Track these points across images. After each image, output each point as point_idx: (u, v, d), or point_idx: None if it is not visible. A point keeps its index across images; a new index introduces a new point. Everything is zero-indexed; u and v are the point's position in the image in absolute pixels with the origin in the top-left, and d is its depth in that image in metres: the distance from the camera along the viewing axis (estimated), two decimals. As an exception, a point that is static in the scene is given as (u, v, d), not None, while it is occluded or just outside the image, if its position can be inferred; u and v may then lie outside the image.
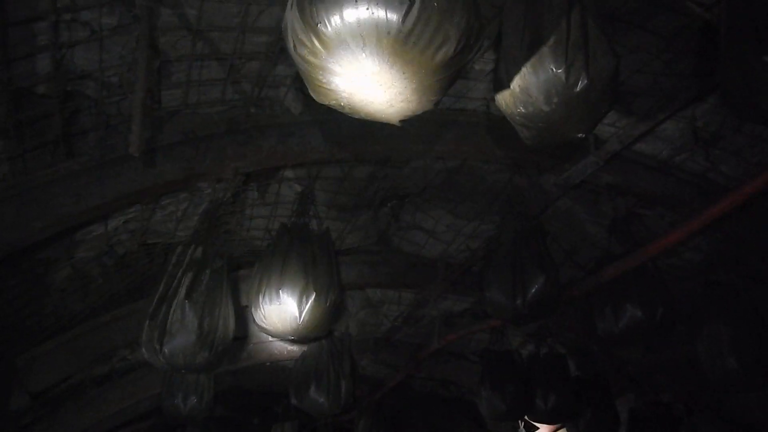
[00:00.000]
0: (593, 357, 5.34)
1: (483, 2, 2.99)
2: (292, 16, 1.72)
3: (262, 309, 3.55)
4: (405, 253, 5.09)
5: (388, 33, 1.58)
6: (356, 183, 4.42)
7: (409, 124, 3.76)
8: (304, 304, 3.39)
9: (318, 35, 1.65)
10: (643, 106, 3.61)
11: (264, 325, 3.57)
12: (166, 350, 3.23)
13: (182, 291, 3.31)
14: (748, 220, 3.95)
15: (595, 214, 4.37)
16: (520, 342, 5.71)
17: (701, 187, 3.97)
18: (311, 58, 1.72)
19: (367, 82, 1.73)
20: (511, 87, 2.20)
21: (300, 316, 3.35)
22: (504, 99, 2.27)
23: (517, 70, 2.17)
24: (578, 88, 2.08)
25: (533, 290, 3.56)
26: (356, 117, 2.02)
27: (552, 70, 2.09)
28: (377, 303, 5.68)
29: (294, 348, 5.27)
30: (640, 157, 3.92)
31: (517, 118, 2.26)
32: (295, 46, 1.74)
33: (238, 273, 4.72)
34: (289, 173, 4.35)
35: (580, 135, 2.28)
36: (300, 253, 3.75)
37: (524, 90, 2.16)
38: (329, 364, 4.59)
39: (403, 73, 1.69)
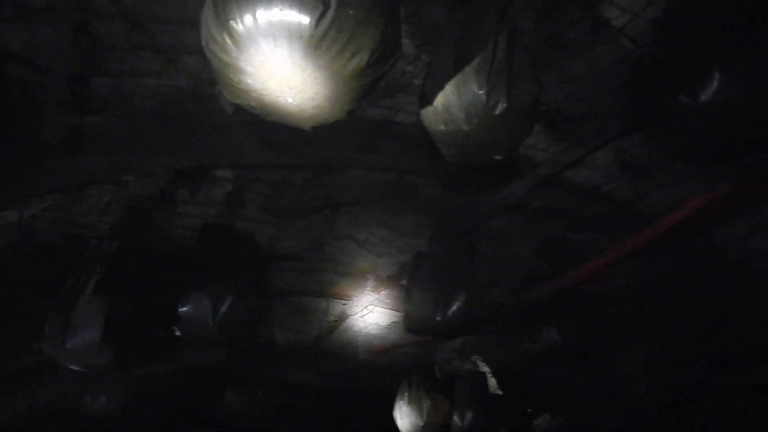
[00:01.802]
0: (515, 376, 5.40)
1: (420, 20, 3.04)
2: (207, 11, 1.67)
3: (180, 309, 3.45)
4: (337, 263, 5.04)
5: (300, 36, 1.54)
6: (292, 189, 4.35)
7: (346, 134, 3.80)
8: (220, 307, 3.30)
9: (229, 32, 1.60)
10: (576, 134, 3.69)
11: (178, 327, 3.46)
12: (68, 346, 3.07)
13: (91, 285, 3.16)
14: (672, 250, 4.10)
15: (526, 236, 4.44)
16: (445, 358, 5.72)
17: (628, 217, 4.09)
18: (222, 56, 1.67)
19: (277, 84, 1.69)
20: (434, 104, 2.20)
21: (214, 319, 3.25)
22: (427, 115, 2.27)
23: (441, 87, 2.17)
24: (498, 111, 2.09)
25: (454, 307, 3.57)
26: (271, 119, 1.97)
27: (474, 90, 2.10)
28: (306, 311, 5.60)
29: (214, 353, 5.14)
30: (572, 183, 4.01)
31: (439, 135, 2.26)
32: (207, 41, 1.68)
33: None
34: (223, 173, 4.25)
35: (498, 157, 2.29)
36: (223, 256, 3.66)
37: (446, 108, 2.16)
38: (247, 370, 4.48)
39: (315, 78, 1.65)
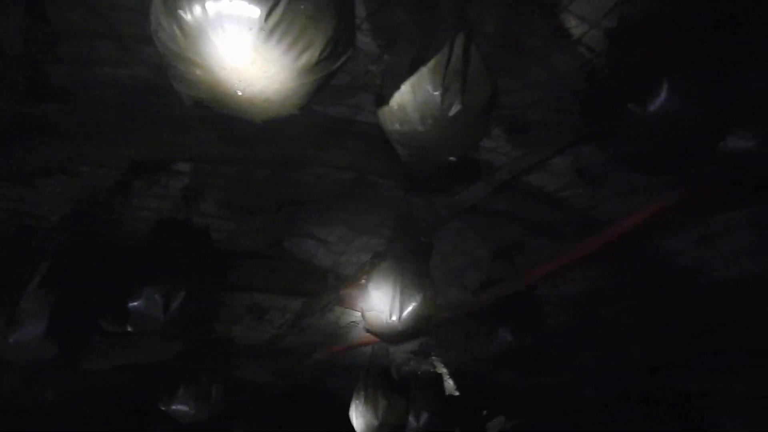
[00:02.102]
0: (472, 378, 5.46)
1: (383, 19, 3.04)
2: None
3: (131, 303, 3.39)
4: (296, 261, 5.01)
5: (250, 29, 1.53)
6: (253, 185, 4.31)
7: (307, 131, 3.78)
8: (172, 303, 3.24)
9: (178, 22, 1.57)
10: (536, 140, 3.75)
11: (129, 322, 3.39)
12: (11, 340, 2.98)
13: (37, 278, 3.07)
14: (623, 258, 4.20)
15: (483, 239, 4.48)
16: (404, 359, 5.74)
17: (583, 223, 4.16)
18: (171, 45, 1.64)
19: (226, 76, 1.67)
20: (390, 103, 2.20)
21: (165, 315, 3.20)
22: (383, 114, 2.27)
23: (398, 87, 2.17)
24: (452, 112, 2.11)
25: (409, 308, 3.58)
26: (224, 112, 1.95)
27: (429, 91, 2.11)
28: (264, 309, 5.55)
29: (166, 348, 5.05)
30: (530, 188, 4.07)
31: (394, 135, 2.26)
32: (156, 30, 1.65)
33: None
34: (181, 167, 4.18)
35: (452, 158, 2.31)
36: (178, 250, 3.60)
37: (402, 108, 2.17)
38: (200, 367, 4.42)
39: (264, 72, 1.64)
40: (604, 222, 4.06)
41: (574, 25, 3.04)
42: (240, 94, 1.69)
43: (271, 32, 1.53)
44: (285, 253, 5.04)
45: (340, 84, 3.49)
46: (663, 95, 2.16)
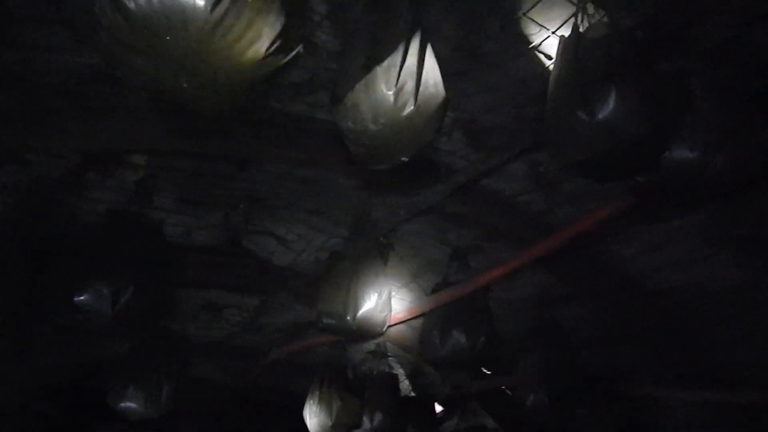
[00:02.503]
0: (427, 379, 5.49)
1: (343, 17, 3.04)
2: (102, -16, 1.60)
3: (77, 297, 3.30)
4: (254, 258, 4.95)
5: (195, 20, 1.50)
6: (208, 179, 4.25)
7: (265, 127, 3.74)
8: (120, 297, 3.17)
9: (122, 10, 1.54)
10: (493, 144, 3.78)
11: (76, 316, 3.30)
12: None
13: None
14: (575, 263, 4.27)
15: (440, 241, 4.51)
16: (360, 359, 5.73)
17: (538, 228, 4.22)
18: (116, 33, 1.60)
19: (172, 67, 1.64)
20: (344, 101, 2.19)
21: (113, 309, 3.12)
22: (337, 112, 2.26)
23: (352, 85, 2.17)
24: (405, 113, 2.11)
25: (364, 309, 3.58)
26: (175, 102, 1.91)
27: (382, 90, 2.11)
28: (220, 306, 5.48)
29: (119, 344, 4.94)
30: (488, 192, 4.11)
31: (347, 133, 2.26)
32: (100, 17, 1.61)
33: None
34: (136, 159, 4.10)
35: (404, 158, 2.32)
36: (130, 244, 3.53)
37: (355, 106, 2.16)
38: (151, 364, 4.34)
39: (209, 64, 1.61)
40: (559, 226, 4.13)
41: (534, 32, 3.09)
42: (186, 86, 1.66)
43: (217, 24, 1.51)
44: (242, 250, 4.98)
45: (300, 81, 3.47)
46: (611, 103, 2.21)
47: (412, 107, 2.11)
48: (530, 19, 3.00)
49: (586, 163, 2.34)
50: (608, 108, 2.22)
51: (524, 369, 3.85)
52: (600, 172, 2.38)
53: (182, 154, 3.90)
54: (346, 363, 5.34)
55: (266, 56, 1.61)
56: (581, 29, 2.52)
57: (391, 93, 2.10)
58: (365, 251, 3.90)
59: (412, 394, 5.45)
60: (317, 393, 4.89)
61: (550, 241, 3.41)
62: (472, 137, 3.74)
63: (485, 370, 4.60)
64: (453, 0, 2.94)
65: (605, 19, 2.52)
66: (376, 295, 3.62)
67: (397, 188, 4.02)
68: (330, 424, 4.73)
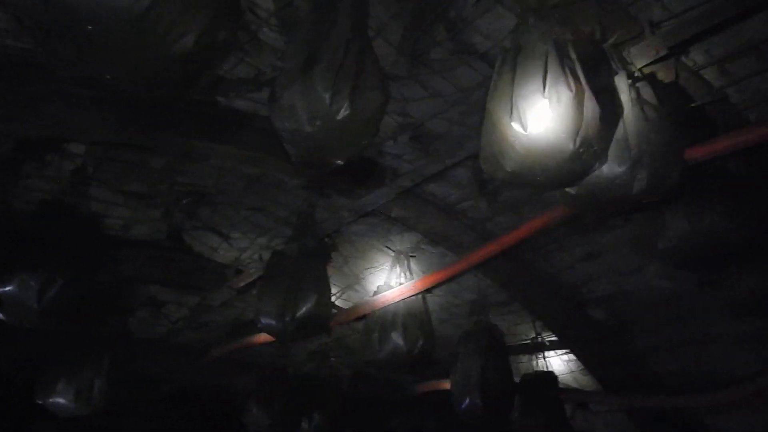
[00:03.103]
0: (370, 380, 5.51)
1: (290, 15, 3.03)
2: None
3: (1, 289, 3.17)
4: (196, 254, 4.87)
5: (120, 10, 1.47)
6: (151, 172, 4.16)
7: (209, 121, 3.68)
8: (48, 291, 3.07)
9: (45, -4, 1.50)
10: (439, 150, 3.83)
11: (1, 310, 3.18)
12: None
13: None
14: (512, 270, 4.37)
15: (384, 243, 4.54)
16: (303, 359, 5.71)
17: (480, 234, 4.30)
18: (40, 18, 1.56)
19: (101, 58, 1.60)
20: (281, 101, 2.19)
21: (39, 303, 3.02)
22: (274, 111, 2.25)
23: (289, 85, 2.16)
24: (340, 116, 2.12)
25: (303, 309, 3.57)
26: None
27: (319, 92, 2.11)
28: (160, 302, 5.36)
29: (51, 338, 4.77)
30: (431, 197, 4.16)
31: (283, 133, 2.25)
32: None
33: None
34: (75, 148, 3.97)
35: (339, 162, 2.32)
36: (64, 236, 3.42)
37: (291, 106, 2.16)
38: (83, 360, 4.21)
39: (138, 56, 1.59)
40: (498, 233, 4.22)
41: (479, 41, 3.15)
42: (108, 77, 1.63)
43: (144, 16, 1.49)
44: (185, 246, 4.89)
45: (246, 77, 3.44)
46: (544, 117, 2.27)
47: (348, 111, 2.12)
48: (476, 28, 3.06)
49: (518, 174, 2.39)
50: (542, 121, 2.28)
51: (460, 373, 3.90)
52: (531, 184, 2.43)
53: (123, 145, 3.80)
54: (289, 363, 5.30)
55: (196, 51, 1.59)
56: (521, 42, 2.59)
57: (327, 95, 2.10)
58: (308, 251, 3.89)
59: (354, 394, 5.46)
60: (258, 393, 4.84)
61: (489, 248, 3.48)
62: (418, 141, 3.78)
63: (425, 372, 4.65)
64: (401, 5, 2.98)
65: (544, 33, 2.59)
66: (316, 296, 3.61)
67: (342, 189, 4.03)
68: (269, 423, 4.69)
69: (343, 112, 2.12)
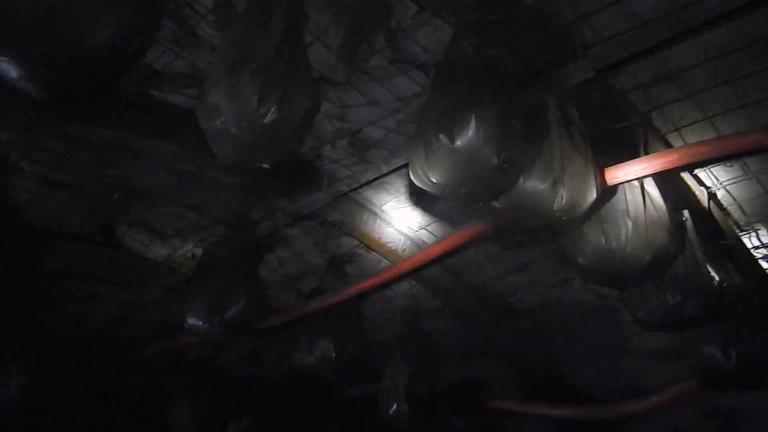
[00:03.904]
0: (303, 382, 5.46)
1: (226, 13, 2.99)
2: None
3: None
4: (126, 250, 4.74)
5: (34, 3, 1.43)
6: (79, 164, 4.02)
7: (143, 114, 3.59)
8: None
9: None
10: (376, 156, 3.85)
11: None
12: None
13: None
14: (447, 277, 4.43)
15: (320, 247, 4.53)
16: (236, 360, 5.63)
17: (415, 242, 4.34)
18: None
19: (14, 51, 1.55)
20: (207, 100, 2.16)
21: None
22: (200, 110, 2.22)
23: (216, 84, 2.14)
24: (267, 120, 2.11)
25: (232, 311, 3.52)
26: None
27: (246, 95, 2.09)
28: (90, 297, 5.18)
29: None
30: (368, 203, 4.17)
31: (210, 132, 2.22)
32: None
33: None
34: (-1, 134, 3.81)
35: (265, 165, 2.31)
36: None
37: (217, 107, 2.13)
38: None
39: (53, 50, 1.54)
40: (431, 241, 4.27)
41: (418, 53, 3.19)
42: (30, 72, 1.58)
43: (54, 8, 1.44)
44: (116, 241, 4.75)
45: (182, 72, 3.38)
46: (470, 131, 2.32)
47: (275, 115, 2.10)
48: (414, 40, 3.10)
49: (443, 185, 2.43)
50: (467, 135, 2.33)
51: (389, 378, 3.93)
52: (457, 196, 2.48)
53: (52, 134, 3.67)
54: (221, 364, 5.21)
55: (113, 45, 1.55)
56: (454, 56, 2.64)
57: (255, 98, 2.09)
58: (240, 252, 3.84)
59: (286, 397, 5.41)
60: (186, 394, 4.73)
61: (417, 257, 3.52)
62: (356, 147, 3.79)
63: (356, 378, 4.65)
64: (341, 11, 2.99)
65: (478, 49, 2.65)
66: (245, 297, 3.57)
67: (279, 192, 3.99)
68: (194, 426, 4.59)
69: (270, 116, 2.11)
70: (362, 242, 4.24)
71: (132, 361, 5.74)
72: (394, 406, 3.88)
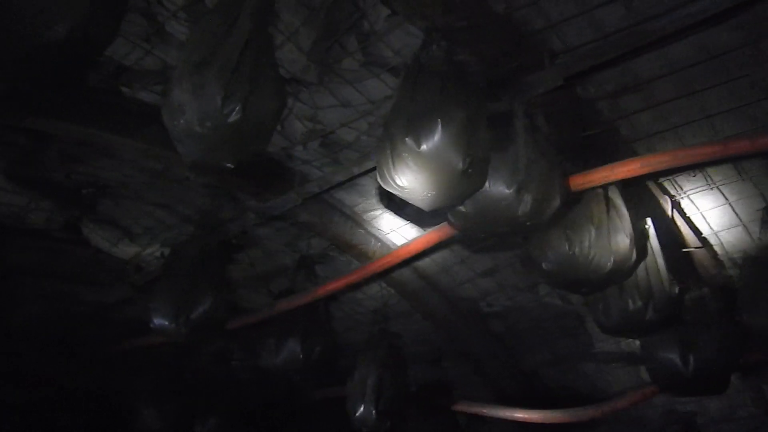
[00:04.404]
0: (271, 384, 5.44)
1: (196, 11, 2.96)
2: None
3: None
4: (93, 248, 4.66)
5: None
6: (46, 159, 3.95)
7: (111, 110, 3.54)
8: None
9: None
10: (348, 158, 3.85)
11: None
12: None
13: None
14: (415, 280, 4.45)
15: (291, 248, 4.51)
16: (205, 361, 5.56)
17: (385, 244, 4.34)
18: None
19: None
20: (171, 99, 2.14)
21: None
22: (164, 108, 2.20)
23: (181, 82, 2.12)
24: (231, 119, 2.09)
25: (199, 311, 3.49)
26: None
27: (211, 94, 2.08)
28: (55, 296, 5.08)
29: None
30: (339, 204, 4.17)
31: (173, 131, 2.20)
32: None
33: None
34: (-41, 126, 3.71)
35: (229, 165, 2.29)
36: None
37: (181, 105, 2.11)
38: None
39: (8, 44, 1.51)
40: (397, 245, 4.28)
41: (390, 56, 3.19)
42: None
43: (9, 2, 1.42)
44: (83, 238, 4.67)
45: (152, 69, 3.34)
46: (436, 135, 2.33)
47: (239, 115, 2.09)
48: (386, 43, 3.10)
49: (409, 189, 2.44)
50: (433, 139, 2.35)
51: (357, 380, 3.92)
52: (422, 199, 2.49)
53: (15, 128, 3.60)
54: (187, 365, 5.14)
55: (69, 41, 1.53)
56: (423, 60, 2.65)
57: (219, 98, 2.07)
58: (209, 251, 3.81)
59: (253, 398, 5.37)
60: (150, 395, 4.67)
61: (386, 259, 3.53)
62: (327, 148, 3.79)
63: (323, 379, 4.64)
64: (313, 12, 2.98)
65: (446, 54, 2.66)
66: (212, 298, 3.54)
67: (249, 191, 3.96)
68: (158, 427, 4.53)
69: (234, 115, 2.09)
70: (333, 243, 4.23)
71: (97, 362, 5.65)
72: (361, 409, 3.88)
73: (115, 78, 3.39)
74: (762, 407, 4.03)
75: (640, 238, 2.96)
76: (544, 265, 2.96)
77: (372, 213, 4.16)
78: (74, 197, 4.28)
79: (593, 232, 2.78)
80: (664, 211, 3.50)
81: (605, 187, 2.93)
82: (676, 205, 3.50)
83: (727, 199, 3.40)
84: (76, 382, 5.83)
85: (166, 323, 3.55)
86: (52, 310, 5.31)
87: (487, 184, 2.51)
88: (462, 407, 4.77)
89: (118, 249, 4.70)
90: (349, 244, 4.21)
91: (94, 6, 1.54)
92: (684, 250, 3.49)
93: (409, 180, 2.41)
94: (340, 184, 3.85)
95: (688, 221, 3.55)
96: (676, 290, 3.05)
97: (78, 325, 5.49)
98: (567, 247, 2.79)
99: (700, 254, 3.58)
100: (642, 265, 3.03)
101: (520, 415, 4.42)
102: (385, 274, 3.86)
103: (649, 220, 3.17)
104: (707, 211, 3.51)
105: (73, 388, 5.96)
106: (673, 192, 3.46)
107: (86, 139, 3.71)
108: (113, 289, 4.88)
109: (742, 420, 4.22)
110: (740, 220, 3.47)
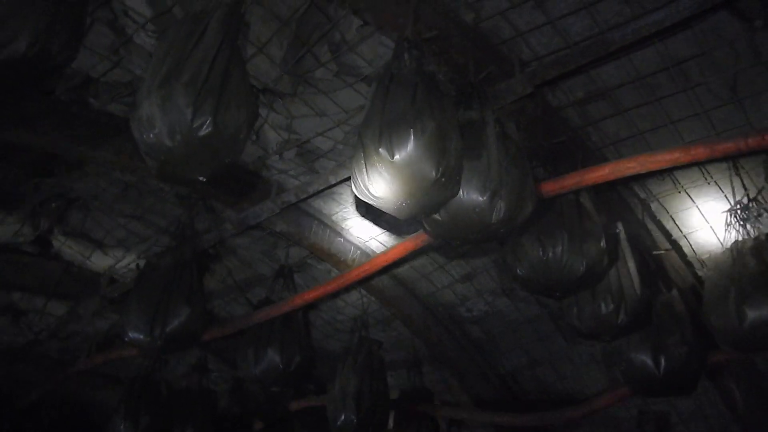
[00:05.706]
0: (248, 395, 5.40)
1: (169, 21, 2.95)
2: None
3: None
4: (64, 261, 4.59)
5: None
6: (14, 173, 3.88)
7: (79, 123, 3.49)
8: None
9: None
10: (324, 167, 3.84)
11: None
12: None
13: None
14: (396, 287, 4.46)
15: (269, 257, 4.49)
16: (182, 372, 5.50)
17: (364, 252, 4.35)
18: None
19: None
20: (140, 113, 2.12)
21: None
22: (133, 121, 2.18)
23: (149, 95, 2.10)
24: (202, 132, 2.07)
25: (174, 323, 3.45)
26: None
27: (180, 107, 2.05)
28: (21, 310, 4.99)
29: None
30: (317, 213, 4.16)
31: (143, 145, 2.18)
32: None
33: None
34: None
35: (201, 178, 2.28)
36: None
37: (150, 118, 2.09)
38: None
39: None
40: (375, 253, 4.29)
41: (362, 66, 3.21)
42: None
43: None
44: (52, 251, 4.59)
45: (121, 81, 3.31)
46: (408, 145, 2.34)
47: (210, 128, 2.07)
48: (358, 54, 3.12)
49: (383, 199, 2.45)
50: (406, 149, 2.35)
51: (337, 388, 3.91)
52: (396, 209, 2.50)
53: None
54: (164, 377, 5.06)
55: (28, 55, 1.51)
56: (394, 70, 2.66)
57: (188, 110, 2.05)
58: (183, 262, 3.76)
59: (231, 410, 5.32)
60: (124, 408, 4.57)
61: (363, 267, 3.53)
62: (304, 158, 3.78)
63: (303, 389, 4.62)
64: (284, 24, 2.98)
65: (417, 64, 2.68)
66: (188, 309, 3.50)
67: (225, 201, 3.94)
68: (132, 441, 4.45)
69: (205, 129, 2.08)
70: (312, 252, 4.22)
71: (70, 375, 5.54)
72: (342, 417, 3.86)
73: (84, 90, 3.35)
74: (731, 406, 4.11)
75: (611, 241, 3.00)
76: (518, 270, 2.99)
77: (350, 221, 4.17)
78: (44, 210, 4.22)
79: (566, 238, 2.81)
80: (634, 215, 3.56)
81: (576, 192, 2.97)
82: (647, 208, 3.57)
83: (694, 201, 3.47)
84: (49, 395, 5.71)
85: (141, 336, 3.50)
86: (22, 323, 5.20)
87: (460, 192, 2.52)
88: (442, 412, 4.79)
89: (91, 262, 4.63)
90: (328, 252, 4.20)
91: (55, 21, 1.53)
92: (654, 252, 3.55)
93: (383, 190, 2.41)
94: (317, 193, 3.84)
95: (659, 224, 3.62)
96: (647, 293, 3.11)
97: (49, 338, 5.40)
98: (541, 253, 2.82)
99: (671, 256, 3.65)
100: (614, 269, 3.08)
101: (499, 418, 4.45)
102: (364, 282, 3.86)
103: (620, 224, 3.22)
104: (676, 214, 3.58)
105: (47, 401, 5.85)
106: (642, 195, 3.53)
107: (54, 151, 3.66)
108: (86, 302, 4.81)
109: (712, 418, 4.30)
110: (707, 221, 3.55)
